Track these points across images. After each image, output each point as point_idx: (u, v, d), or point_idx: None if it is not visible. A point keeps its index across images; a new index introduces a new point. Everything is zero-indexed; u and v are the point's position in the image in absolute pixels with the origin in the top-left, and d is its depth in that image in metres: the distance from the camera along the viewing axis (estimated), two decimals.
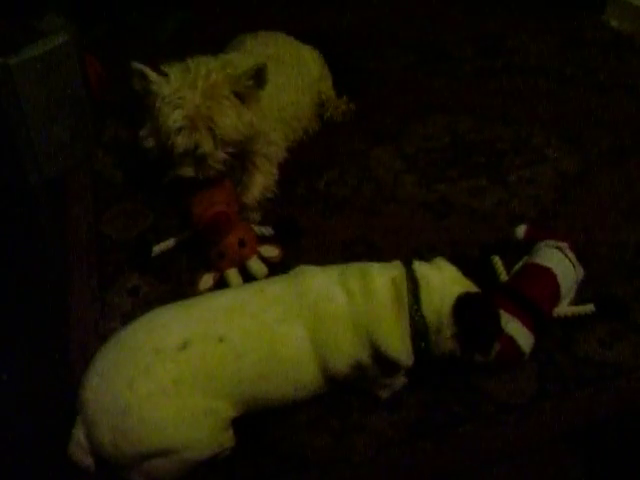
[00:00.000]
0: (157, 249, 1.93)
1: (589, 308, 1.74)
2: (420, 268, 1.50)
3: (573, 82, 2.69)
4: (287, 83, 2.26)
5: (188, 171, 1.94)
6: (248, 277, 1.85)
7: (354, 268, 1.52)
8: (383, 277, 1.48)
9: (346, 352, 1.44)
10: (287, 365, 1.42)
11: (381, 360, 1.46)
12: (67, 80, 2.12)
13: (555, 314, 1.71)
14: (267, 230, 1.99)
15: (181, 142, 1.89)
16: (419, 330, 1.46)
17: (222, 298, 1.50)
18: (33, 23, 2.07)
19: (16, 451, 1.54)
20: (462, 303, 1.45)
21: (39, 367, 1.70)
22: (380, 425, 1.56)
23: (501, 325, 1.52)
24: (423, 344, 1.48)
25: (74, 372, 1.64)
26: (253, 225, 1.99)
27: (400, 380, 1.58)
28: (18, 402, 1.64)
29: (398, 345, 1.45)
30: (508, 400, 1.61)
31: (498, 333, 1.52)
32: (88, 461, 1.38)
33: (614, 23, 3.06)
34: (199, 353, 1.37)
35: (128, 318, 1.74)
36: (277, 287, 1.50)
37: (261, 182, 2.11)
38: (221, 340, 1.38)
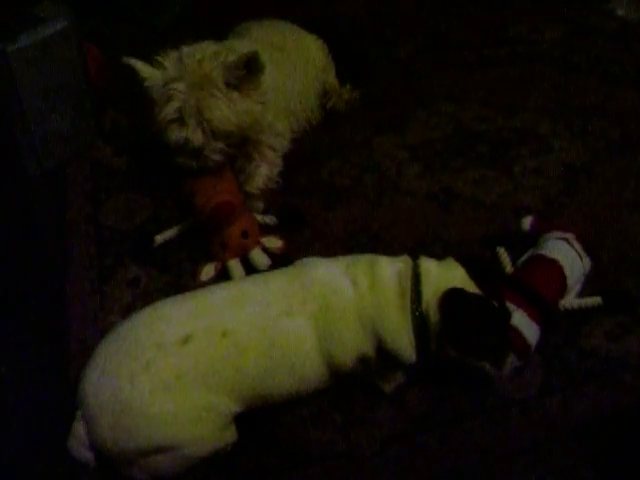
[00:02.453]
0: (159, 239, 1.91)
1: (596, 301, 1.72)
2: (424, 263, 1.47)
3: (579, 71, 2.66)
4: (293, 73, 2.23)
5: (187, 162, 1.92)
6: (250, 268, 1.84)
7: (362, 260, 1.50)
8: (390, 270, 1.45)
9: (351, 345, 1.42)
10: (291, 359, 1.40)
11: (384, 353, 1.44)
12: (66, 68, 2.09)
13: (561, 306, 1.69)
14: (271, 219, 1.97)
15: (171, 136, 1.88)
16: (419, 326, 1.43)
17: (225, 291, 1.47)
18: (31, 9, 2.04)
19: (15, 444, 1.53)
20: (449, 297, 1.38)
21: (38, 360, 1.68)
22: (384, 419, 1.54)
23: (506, 332, 1.47)
24: (425, 340, 1.45)
25: (73, 365, 1.63)
26: (257, 214, 1.98)
27: (402, 374, 1.56)
28: (17, 395, 1.62)
29: (402, 340, 1.43)
30: (514, 394, 1.59)
31: (504, 339, 1.46)
32: (88, 456, 1.36)
33: (620, 12, 3.03)
34: (202, 347, 1.35)
35: (128, 310, 1.74)
36: (281, 280, 1.47)
37: (265, 172, 2.09)
38: (224, 334, 1.36)
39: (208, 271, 1.83)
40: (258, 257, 1.85)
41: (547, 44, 2.82)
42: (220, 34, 2.29)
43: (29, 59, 1.97)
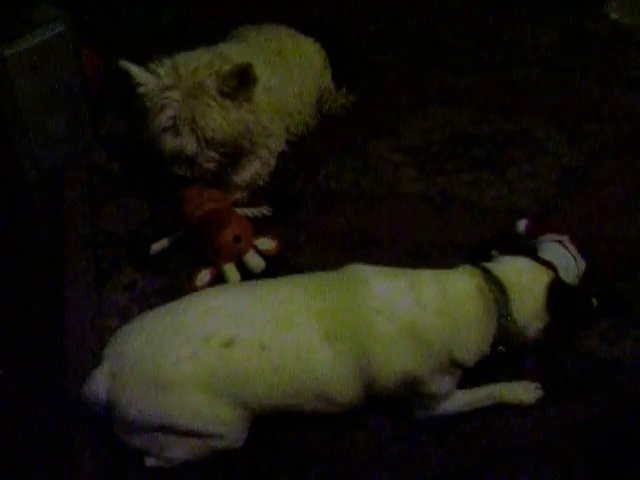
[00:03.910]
0: (156, 247, 1.91)
1: None
2: (502, 273, 1.47)
3: (573, 75, 2.67)
4: (290, 76, 2.24)
5: (180, 170, 1.93)
6: (246, 271, 1.84)
7: (427, 277, 1.47)
8: (465, 286, 1.45)
9: (400, 369, 1.41)
10: (324, 386, 1.40)
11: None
12: (63, 71, 2.10)
13: None
14: (266, 210, 2.00)
15: (165, 144, 1.89)
16: (505, 335, 1.44)
17: (276, 303, 1.44)
18: (28, 14, 2.04)
19: (15, 444, 1.53)
20: (553, 294, 1.45)
21: (36, 363, 1.69)
22: (381, 422, 1.55)
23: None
24: (503, 348, 1.46)
25: (71, 367, 1.63)
26: (251, 208, 1.99)
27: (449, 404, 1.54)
28: (15, 397, 1.63)
29: (474, 352, 1.45)
30: None
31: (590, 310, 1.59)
32: (99, 402, 1.38)
33: (614, 15, 3.04)
34: (240, 357, 1.36)
35: (125, 313, 1.75)
36: (331, 296, 1.44)
37: (256, 168, 2.10)
38: (263, 348, 1.37)
39: (203, 276, 1.83)
40: (253, 260, 1.85)
41: (542, 48, 2.83)
42: (216, 38, 2.29)
43: (26, 63, 1.97)
